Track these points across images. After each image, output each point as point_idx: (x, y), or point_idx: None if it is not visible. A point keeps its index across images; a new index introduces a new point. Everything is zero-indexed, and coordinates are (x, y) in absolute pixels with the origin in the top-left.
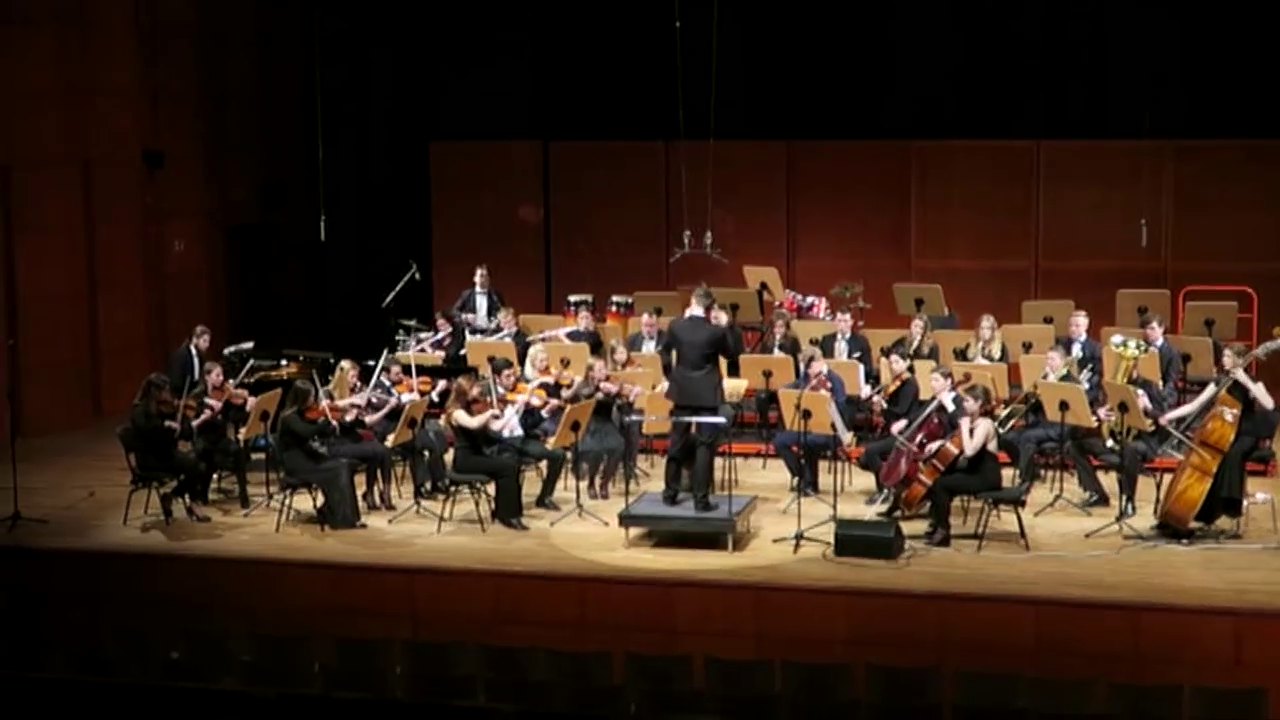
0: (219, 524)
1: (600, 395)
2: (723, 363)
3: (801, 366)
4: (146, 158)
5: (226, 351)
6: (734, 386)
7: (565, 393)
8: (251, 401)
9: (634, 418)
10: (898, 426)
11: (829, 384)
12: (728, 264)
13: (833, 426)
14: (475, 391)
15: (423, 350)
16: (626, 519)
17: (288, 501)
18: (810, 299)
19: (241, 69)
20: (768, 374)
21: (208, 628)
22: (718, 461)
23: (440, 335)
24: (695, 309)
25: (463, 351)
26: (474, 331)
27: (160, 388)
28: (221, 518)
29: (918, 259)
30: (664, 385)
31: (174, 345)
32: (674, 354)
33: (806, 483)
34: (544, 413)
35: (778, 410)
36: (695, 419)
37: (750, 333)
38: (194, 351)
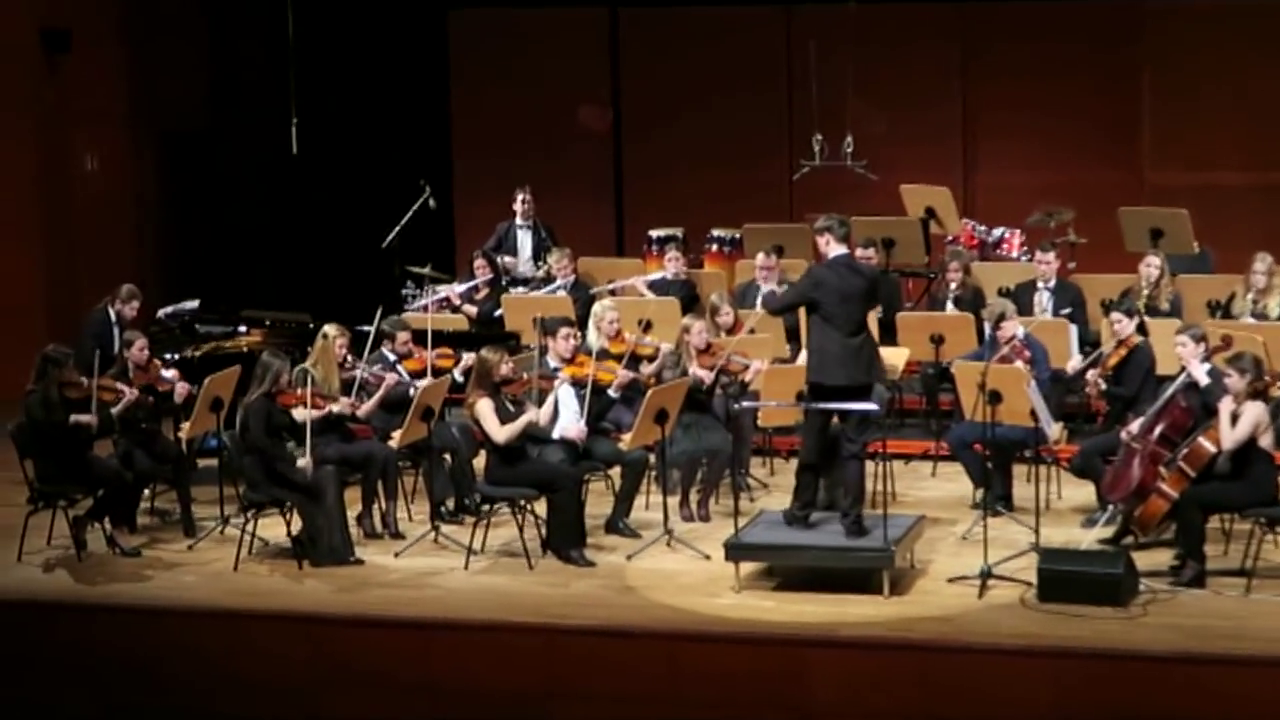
0: (153, 559)
1: (698, 375)
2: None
3: (987, 328)
4: (46, 39)
5: (161, 314)
6: (890, 358)
7: (647, 368)
8: (183, 388)
9: (746, 404)
10: (1132, 428)
11: (1027, 353)
12: (877, 181)
13: (1033, 415)
14: (506, 369)
15: (445, 307)
16: (736, 550)
17: (250, 527)
18: (998, 231)
19: None
20: (938, 340)
21: (140, 705)
22: (867, 466)
23: (476, 283)
24: (836, 247)
25: (499, 311)
26: (514, 282)
27: (61, 364)
28: (157, 550)
29: (1153, 171)
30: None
31: (85, 304)
32: (817, 315)
33: (996, 496)
34: (612, 391)
35: (953, 392)
36: (848, 405)
37: (912, 280)
38: (113, 317)
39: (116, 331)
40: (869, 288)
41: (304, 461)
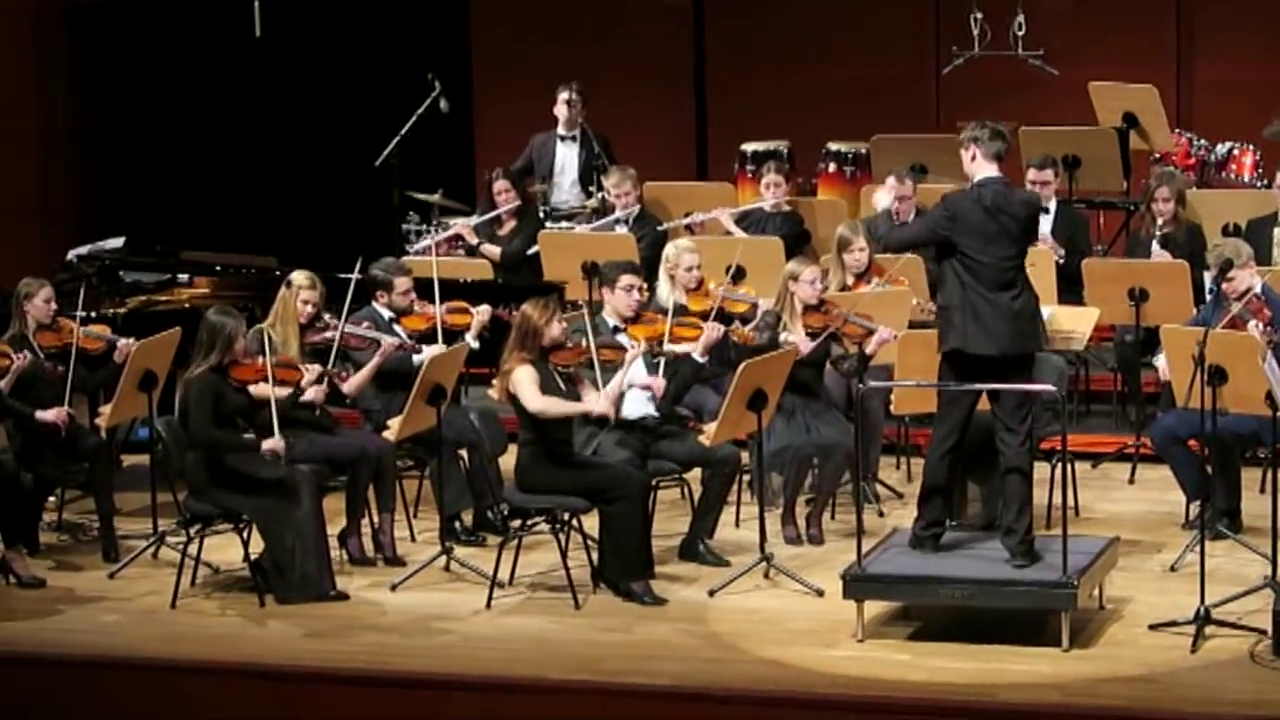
0: (61, 592)
1: (794, 342)
2: None
3: (1208, 280)
4: None
5: (73, 255)
6: (1073, 320)
7: (741, 331)
8: (125, 345)
9: (874, 384)
10: None
11: (1267, 312)
12: (1057, 76)
13: (1270, 400)
14: (557, 331)
15: (458, 248)
16: (859, 584)
17: (194, 549)
18: (1224, 146)
19: None
20: (1140, 295)
21: None
22: (1040, 469)
23: (498, 212)
24: (986, 166)
25: (534, 249)
26: (555, 215)
27: None
28: (66, 579)
29: None
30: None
31: None
32: (953, 260)
33: (1218, 512)
34: (697, 355)
35: (1158, 368)
36: (1013, 386)
37: (1105, 214)
38: None
39: None
40: (1026, 223)
41: (273, 443)
